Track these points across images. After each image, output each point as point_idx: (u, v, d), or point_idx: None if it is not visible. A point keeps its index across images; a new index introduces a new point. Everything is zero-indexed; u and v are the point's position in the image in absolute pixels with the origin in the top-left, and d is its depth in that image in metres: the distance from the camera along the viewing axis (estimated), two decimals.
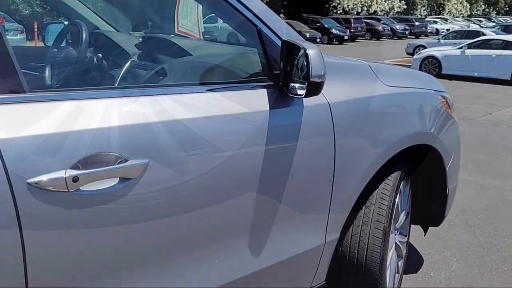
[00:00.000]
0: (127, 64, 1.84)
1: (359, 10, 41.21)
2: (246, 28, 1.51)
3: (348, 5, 39.72)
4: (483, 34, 15.40)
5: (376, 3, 42.94)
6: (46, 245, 1.02)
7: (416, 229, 2.55)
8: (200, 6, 2.46)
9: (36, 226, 0.99)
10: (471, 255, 2.76)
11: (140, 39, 2.29)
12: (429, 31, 33.94)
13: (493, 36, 14.66)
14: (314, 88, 1.35)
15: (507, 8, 61.73)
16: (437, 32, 32.86)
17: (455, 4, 53.42)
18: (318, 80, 1.33)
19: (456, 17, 47.43)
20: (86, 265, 1.10)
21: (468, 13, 54.00)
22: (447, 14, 50.89)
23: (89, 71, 1.68)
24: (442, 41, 17.09)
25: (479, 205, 3.53)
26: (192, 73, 1.71)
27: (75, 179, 1.02)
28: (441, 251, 2.79)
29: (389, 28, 31.95)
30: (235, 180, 1.37)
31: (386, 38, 31.06)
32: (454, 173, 2.36)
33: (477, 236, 3.01)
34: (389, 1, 44.75)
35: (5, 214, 0.95)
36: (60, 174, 1.00)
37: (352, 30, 28.01)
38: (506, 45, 12.11)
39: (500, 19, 43.88)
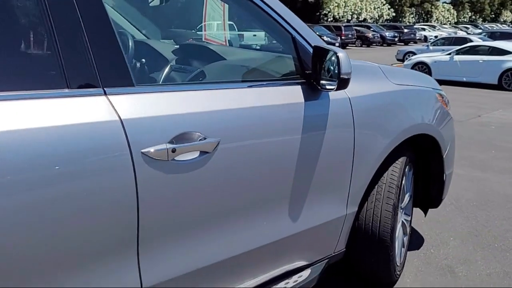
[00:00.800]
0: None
1: (349, 18, 41.95)
2: (282, 36, 1.85)
3: (338, 13, 40.42)
4: (471, 41, 15.90)
5: (366, 11, 43.71)
6: (151, 197, 1.34)
7: (416, 215, 2.88)
8: (227, 17, 2.80)
9: (145, 184, 1.32)
10: (465, 235, 3.11)
11: (177, 46, 2.62)
12: (417, 38, 34.66)
13: (480, 42, 15.15)
14: (343, 83, 1.69)
15: (493, 15, 63.08)
16: (425, 39, 33.58)
17: (442, 11, 54.53)
18: (346, 77, 1.68)
19: (444, 24, 48.38)
20: (182, 211, 1.43)
21: (455, 20, 55.12)
22: (434, 21, 51.87)
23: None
24: (431, 47, 17.59)
25: (471, 195, 3.90)
26: (233, 73, 2.05)
27: (173, 150, 1.35)
28: (439, 233, 3.14)
29: (378, 35, 32.64)
30: (281, 157, 1.71)
31: (376, 45, 31.72)
32: (450, 161, 2.71)
33: (470, 220, 3.37)
34: (378, 9, 45.57)
35: (128, 173, 1.27)
36: (163, 146, 1.33)
37: (343, 38, 28.56)
38: (493, 51, 12.55)
39: (487, 26, 44.85)
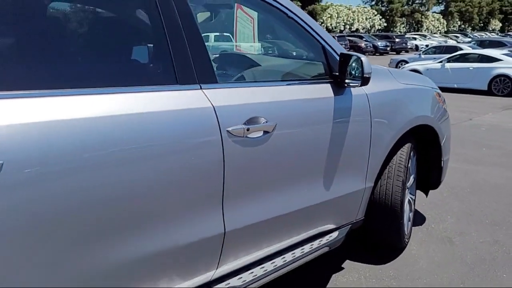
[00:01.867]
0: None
1: (342, 28, 42.82)
2: (314, 46, 2.36)
3: (331, 24, 41.25)
4: (461, 49, 16.57)
5: (358, 22, 44.64)
6: (233, 163, 1.83)
7: (417, 200, 3.36)
8: (256, 30, 3.32)
9: (229, 153, 1.80)
10: (461, 214, 3.62)
11: (217, 54, 3.12)
12: (409, 47, 35.51)
13: (470, 50, 15.79)
14: (365, 81, 2.20)
15: (482, 24, 64.38)
16: (416, 48, 34.43)
17: (432, 21, 55.67)
18: (368, 76, 2.19)
19: (434, 33, 49.45)
20: (251, 175, 1.91)
21: (445, 29, 56.25)
22: (425, 30, 52.94)
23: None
24: (422, 56, 18.23)
25: (465, 183, 4.42)
26: (276, 75, 2.57)
27: (248, 129, 1.84)
28: (438, 213, 3.65)
29: (371, 45, 33.44)
30: (318, 139, 2.21)
31: (369, 55, 32.46)
32: (447, 149, 3.22)
33: (464, 203, 3.88)
34: (370, 19, 46.54)
35: (218, 145, 1.76)
36: (241, 126, 1.83)
37: None
38: (482, 58, 13.14)
39: (476, 34, 45.93)
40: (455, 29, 58.01)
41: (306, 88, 2.26)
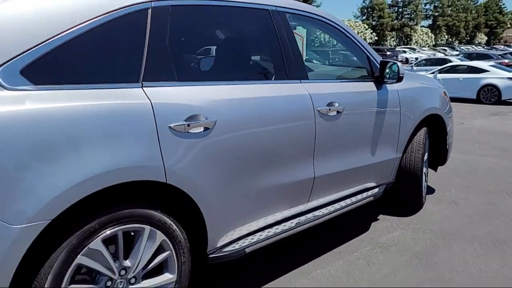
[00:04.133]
0: None
1: (335, 43, 44.06)
2: (361, 54, 3.37)
3: (324, 38, 42.53)
4: (450, 61, 17.72)
5: None
6: (320, 134, 2.80)
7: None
8: (305, 42, 4.33)
9: (318, 127, 2.77)
10: (461, 187, 4.63)
11: None
12: (399, 60, 36.86)
13: (459, 62, 16.95)
14: (400, 79, 3.22)
15: (468, 38, 66.48)
16: (406, 60, 35.73)
17: (421, 35, 57.53)
18: (402, 75, 3.20)
19: (423, 46, 51.14)
20: (332, 142, 2.89)
21: (433, 43, 58.09)
22: (414, 44, 54.67)
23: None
24: (414, 68, 19.36)
25: (463, 167, 5.46)
26: (333, 75, 3.57)
27: (329, 109, 2.82)
28: (444, 186, 4.66)
29: None
30: (368, 120, 3.20)
31: None
32: (451, 134, 4.24)
33: (464, 180, 4.91)
34: (362, 33, 48.10)
35: (312, 121, 2.74)
36: (325, 107, 2.80)
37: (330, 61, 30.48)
38: (471, 69, 14.22)
39: (463, 47, 47.58)
40: (442, 43, 59.97)
41: (358, 84, 3.26)
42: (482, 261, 3.03)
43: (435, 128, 4.13)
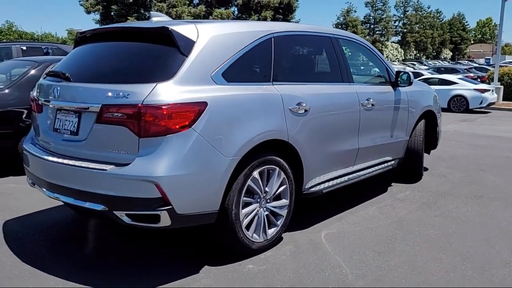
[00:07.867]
0: None
1: (364, 58, 45.89)
2: (382, 66, 4.81)
3: (358, 55, 44.25)
4: (422, 75, 19.45)
5: None
6: (362, 119, 4.20)
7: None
8: None
9: (361, 114, 4.19)
10: (447, 168, 6.13)
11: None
12: (372, 74, 38.89)
13: (430, 75, 18.72)
14: (411, 84, 4.70)
15: (435, 53, 69.93)
16: None
17: (391, 50, 60.39)
18: (412, 81, 4.67)
19: (393, 61, 53.70)
20: (368, 124, 4.29)
21: (403, 58, 60.97)
22: (385, 58, 57.11)
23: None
24: None
25: (446, 155, 6.99)
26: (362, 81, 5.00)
27: (367, 103, 4.24)
28: (434, 167, 6.15)
29: None
30: (387, 112, 4.63)
31: None
32: (439, 124, 5.73)
33: (448, 163, 6.42)
34: None
35: (357, 108, 4.15)
36: (365, 101, 4.21)
37: None
38: (442, 82, 15.91)
39: (430, 62, 50.23)
40: (411, 58, 62.99)
41: (382, 87, 4.70)
42: (468, 206, 4.48)
43: (429, 121, 5.60)
